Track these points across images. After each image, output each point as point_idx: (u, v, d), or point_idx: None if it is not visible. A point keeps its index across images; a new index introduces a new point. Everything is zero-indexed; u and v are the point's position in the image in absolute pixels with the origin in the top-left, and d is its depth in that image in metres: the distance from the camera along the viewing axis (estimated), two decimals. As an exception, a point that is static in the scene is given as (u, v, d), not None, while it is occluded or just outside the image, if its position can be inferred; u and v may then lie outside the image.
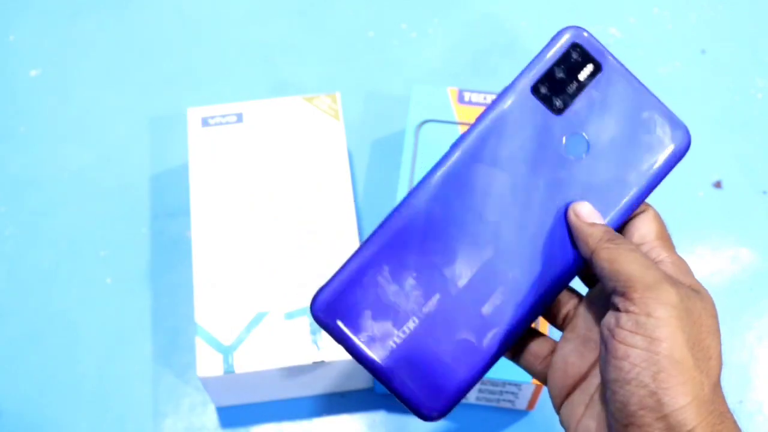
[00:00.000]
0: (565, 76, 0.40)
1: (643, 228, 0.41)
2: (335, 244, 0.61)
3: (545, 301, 0.41)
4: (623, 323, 0.36)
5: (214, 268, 0.60)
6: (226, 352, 0.58)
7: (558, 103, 0.40)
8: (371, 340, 0.40)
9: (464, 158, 0.40)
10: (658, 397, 0.35)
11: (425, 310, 0.40)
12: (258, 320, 0.59)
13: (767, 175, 0.72)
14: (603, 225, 0.40)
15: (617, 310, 0.37)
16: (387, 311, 0.40)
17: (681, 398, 0.35)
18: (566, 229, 0.41)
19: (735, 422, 0.37)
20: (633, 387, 0.35)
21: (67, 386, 0.63)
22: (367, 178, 0.71)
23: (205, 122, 0.66)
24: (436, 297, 0.40)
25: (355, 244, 0.61)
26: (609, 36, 0.78)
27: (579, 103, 0.40)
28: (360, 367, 0.59)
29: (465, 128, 0.65)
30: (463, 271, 0.40)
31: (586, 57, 0.40)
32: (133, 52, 0.77)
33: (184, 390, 0.63)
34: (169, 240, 0.69)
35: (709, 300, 0.38)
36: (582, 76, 0.40)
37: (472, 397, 0.61)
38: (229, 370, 0.57)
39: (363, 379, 0.61)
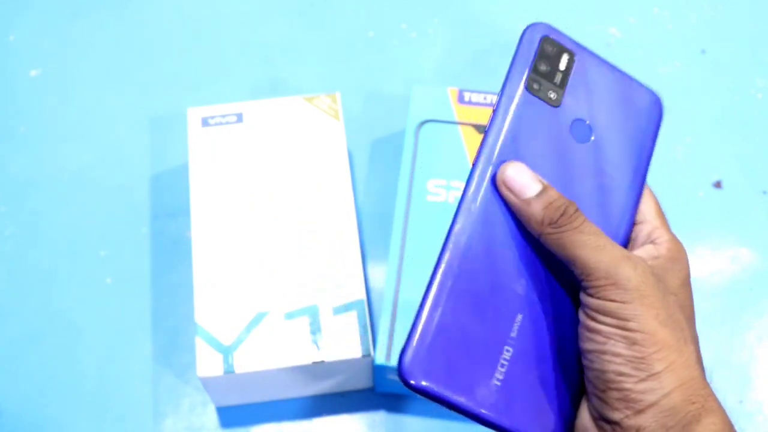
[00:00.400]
0: (550, 69, 0.41)
1: (642, 205, 0.42)
2: (335, 244, 0.61)
3: None
4: (591, 305, 0.37)
5: (214, 268, 0.60)
6: (226, 352, 0.58)
7: (552, 95, 0.41)
8: (476, 391, 0.36)
9: (490, 169, 0.39)
10: (634, 365, 0.36)
11: (513, 334, 0.38)
12: (258, 320, 0.59)
13: (767, 175, 0.72)
14: (539, 198, 0.38)
15: (584, 290, 0.37)
16: (478, 352, 0.37)
17: (657, 365, 0.36)
18: (607, 211, 0.40)
19: (712, 392, 0.37)
20: (609, 356, 0.36)
21: (67, 386, 0.63)
22: (367, 178, 0.71)
23: (205, 122, 0.66)
24: (519, 317, 0.38)
25: (355, 244, 0.61)
26: (609, 36, 0.78)
27: (569, 92, 0.41)
28: (360, 367, 0.59)
29: (465, 128, 0.65)
30: (532, 281, 0.38)
31: (558, 48, 0.41)
32: (133, 52, 0.77)
33: (184, 390, 0.63)
34: (169, 240, 0.69)
35: (682, 264, 0.39)
36: (561, 66, 0.41)
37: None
38: (229, 370, 0.57)
39: (363, 379, 0.61)
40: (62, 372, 0.64)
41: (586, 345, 0.37)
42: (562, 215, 0.38)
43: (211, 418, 0.62)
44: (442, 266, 0.37)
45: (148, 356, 0.64)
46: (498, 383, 0.37)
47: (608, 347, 0.36)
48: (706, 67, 0.77)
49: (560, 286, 0.39)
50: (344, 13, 0.79)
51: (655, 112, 0.42)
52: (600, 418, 0.37)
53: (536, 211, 0.38)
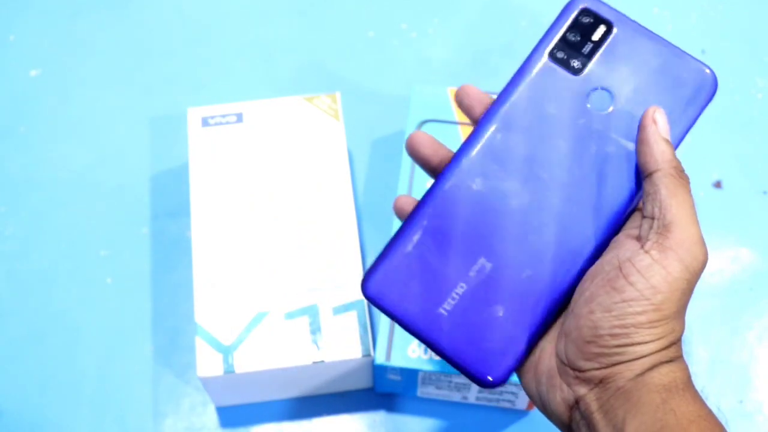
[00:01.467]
0: (579, 39, 0.42)
1: (675, 207, 0.42)
2: (335, 244, 0.61)
3: (595, 252, 0.41)
4: (636, 261, 0.37)
5: (214, 268, 0.60)
6: (226, 352, 0.58)
7: (576, 64, 0.42)
8: (421, 312, 0.40)
9: (496, 127, 0.42)
10: (628, 331, 0.37)
11: (472, 274, 0.40)
12: (258, 320, 0.59)
13: (767, 175, 0.72)
14: (672, 146, 0.40)
15: (640, 243, 0.38)
16: (434, 281, 0.40)
17: (647, 336, 0.37)
18: (607, 180, 0.41)
19: (684, 361, 0.38)
20: (611, 316, 0.37)
21: (67, 386, 0.63)
22: (367, 178, 0.71)
23: (205, 122, 0.66)
24: (482, 260, 0.41)
25: (355, 244, 0.61)
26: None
27: (597, 62, 0.42)
28: (360, 367, 0.59)
29: (465, 128, 0.65)
30: (506, 233, 0.41)
31: (596, 19, 0.42)
32: (133, 52, 0.77)
33: (184, 390, 0.63)
34: (169, 240, 0.69)
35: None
36: (595, 37, 0.42)
37: (471, 397, 0.61)
38: (229, 370, 0.57)
39: (363, 379, 0.61)
40: (62, 372, 0.64)
41: (601, 297, 0.38)
42: (684, 171, 0.39)
43: (211, 418, 0.62)
44: (424, 205, 0.41)
45: (148, 356, 0.64)
46: (444, 312, 0.40)
47: (617, 308, 0.37)
48: (706, 67, 0.77)
49: (554, 241, 0.41)
50: (344, 13, 0.79)
51: (705, 87, 0.41)
52: (567, 363, 0.38)
53: (670, 150, 0.39)
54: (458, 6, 0.79)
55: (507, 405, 0.61)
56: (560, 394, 0.39)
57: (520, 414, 0.62)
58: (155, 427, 0.62)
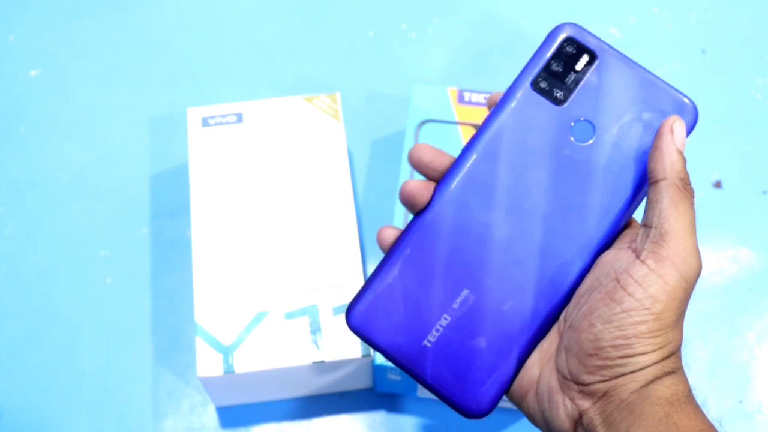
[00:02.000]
0: (562, 69, 0.42)
1: (674, 218, 0.42)
2: (335, 244, 0.61)
3: (577, 281, 0.41)
4: (633, 271, 0.38)
5: (214, 268, 0.60)
6: (226, 352, 0.58)
7: (559, 94, 0.42)
8: (406, 344, 0.41)
9: (478, 158, 0.42)
10: (630, 341, 0.37)
11: (455, 305, 0.41)
12: (258, 320, 0.59)
13: (767, 175, 0.72)
14: (685, 159, 0.40)
15: (636, 254, 0.38)
16: (418, 313, 0.41)
17: (649, 346, 0.37)
18: (589, 209, 0.41)
19: (684, 373, 0.38)
20: (612, 327, 0.37)
21: (67, 386, 0.63)
22: (367, 178, 0.71)
23: (205, 122, 0.66)
24: (465, 292, 0.41)
25: (355, 244, 0.61)
26: (609, 36, 0.78)
27: (580, 93, 0.42)
28: (360, 367, 0.59)
29: (465, 128, 0.65)
30: (489, 264, 0.41)
31: (580, 49, 0.42)
32: (133, 52, 0.77)
33: (184, 390, 0.63)
34: (169, 240, 0.69)
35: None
36: (578, 66, 0.42)
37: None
38: (229, 370, 0.57)
39: (363, 379, 0.61)
40: (62, 372, 0.64)
41: (600, 309, 0.38)
42: (690, 185, 0.39)
43: (211, 418, 0.62)
44: (407, 237, 0.42)
45: (148, 356, 0.64)
46: (429, 344, 0.41)
47: (617, 319, 0.37)
48: (706, 67, 0.77)
49: (536, 272, 0.41)
50: (344, 13, 0.79)
51: (686, 118, 0.42)
52: (569, 378, 0.39)
53: (682, 163, 0.39)
54: (458, 6, 0.79)
55: (507, 405, 0.61)
56: (564, 410, 0.39)
57: (520, 414, 0.62)
58: (155, 427, 0.62)
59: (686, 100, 0.42)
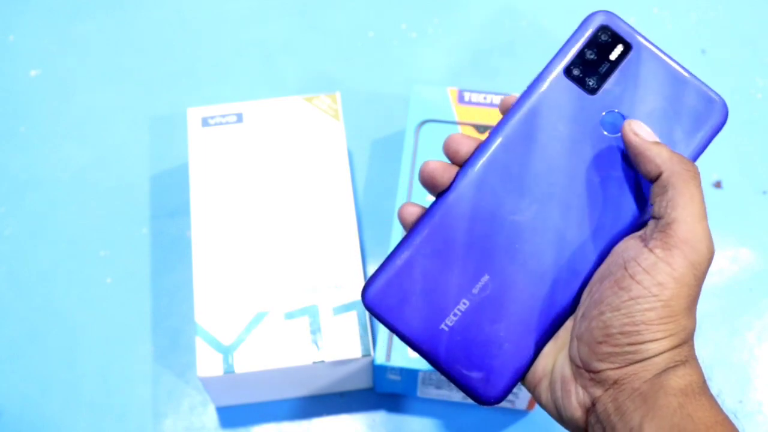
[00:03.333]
0: (596, 57, 0.42)
1: (682, 207, 0.42)
2: (335, 244, 0.61)
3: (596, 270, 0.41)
4: (641, 260, 0.38)
5: (214, 268, 0.60)
6: (226, 352, 0.58)
7: (591, 83, 0.42)
8: (422, 327, 0.40)
9: (505, 142, 0.41)
10: (638, 328, 0.37)
11: (475, 291, 0.41)
12: (258, 320, 0.59)
13: (767, 175, 0.72)
14: (666, 146, 0.39)
15: (644, 243, 0.38)
16: (437, 296, 0.40)
17: (658, 333, 0.37)
18: (613, 200, 0.41)
19: (698, 363, 0.38)
20: (621, 314, 0.37)
21: (67, 386, 0.63)
22: (367, 178, 0.71)
23: (205, 122, 0.66)
24: (485, 277, 0.41)
25: (355, 244, 0.61)
26: (609, 36, 0.78)
27: (612, 83, 0.42)
28: (360, 367, 0.59)
29: (465, 128, 0.65)
30: (511, 250, 0.41)
31: (615, 38, 0.42)
32: (133, 52, 0.77)
33: (184, 390, 0.63)
34: (169, 240, 0.69)
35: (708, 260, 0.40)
36: (612, 56, 0.42)
37: (472, 397, 0.61)
38: (229, 370, 0.57)
39: (363, 379, 0.61)
40: (62, 372, 0.64)
41: (608, 297, 0.38)
42: (689, 163, 0.39)
43: (211, 418, 0.62)
44: (429, 217, 0.41)
45: (148, 356, 0.64)
46: (446, 328, 0.40)
47: (625, 306, 0.37)
48: (706, 67, 0.77)
49: (557, 260, 0.41)
50: (344, 13, 0.79)
51: (715, 116, 0.41)
52: (581, 366, 0.39)
53: (665, 150, 0.39)
54: (458, 6, 0.79)
55: (507, 405, 0.61)
56: (576, 398, 0.39)
57: (520, 414, 0.62)
58: (155, 427, 0.62)
59: (716, 97, 0.41)
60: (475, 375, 0.40)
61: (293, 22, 0.79)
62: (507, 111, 0.42)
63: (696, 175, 0.39)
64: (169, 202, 0.70)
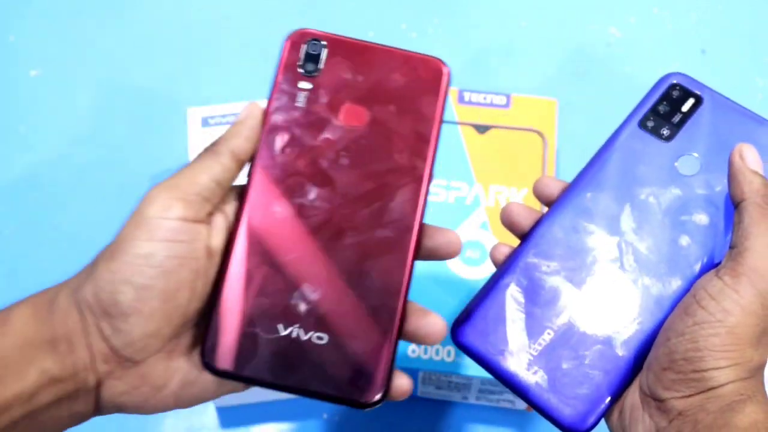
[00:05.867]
0: (669, 110, 0.45)
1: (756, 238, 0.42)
2: (335, 244, 0.61)
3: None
4: (709, 287, 0.38)
5: (214, 268, 0.60)
6: (226, 352, 0.57)
7: (665, 131, 0.44)
8: (511, 361, 0.41)
9: (586, 187, 0.44)
10: (701, 354, 0.37)
11: (559, 321, 0.42)
12: (258, 320, 0.58)
13: (767, 175, 0.72)
14: (763, 177, 0.40)
15: (716, 272, 0.38)
16: (521, 328, 0.42)
17: (722, 361, 0.37)
18: (690, 238, 0.42)
19: (766, 400, 0.37)
20: (685, 339, 0.37)
21: (67, 386, 0.63)
22: (367, 178, 0.71)
23: (205, 122, 0.66)
24: (569, 310, 0.42)
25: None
26: (609, 36, 0.78)
27: (686, 130, 0.44)
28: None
29: (465, 128, 0.65)
30: (595, 286, 0.42)
31: (686, 93, 0.45)
32: (133, 52, 0.77)
33: (184, 390, 0.63)
34: (169, 240, 0.68)
35: None
36: (684, 108, 0.45)
37: (472, 397, 0.61)
38: (229, 370, 0.57)
39: (363, 379, 0.61)
40: (62, 372, 0.64)
41: (674, 323, 0.38)
42: None
43: (211, 418, 0.62)
44: (515, 255, 0.43)
45: (148, 356, 0.64)
46: (531, 358, 0.41)
47: (689, 331, 0.37)
48: (706, 67, 0.77)
49: (638, 297, 0.42)
50: (344, 13, 0.79)
51: None
52: (649, 395, 0.39)
53: (758, 180, 0.40)
54: (458, 6, 0.79)
55: (507, 405, 0.61)
56: (642, 426, 0.39)
57: (520, 414, 0.62)
58: (155, 427, 0.62)
59: None
60: (566, 407, 0.41)
61: (293, 22, 0.79)
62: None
63: None
64: (169, 202, 0.70)
